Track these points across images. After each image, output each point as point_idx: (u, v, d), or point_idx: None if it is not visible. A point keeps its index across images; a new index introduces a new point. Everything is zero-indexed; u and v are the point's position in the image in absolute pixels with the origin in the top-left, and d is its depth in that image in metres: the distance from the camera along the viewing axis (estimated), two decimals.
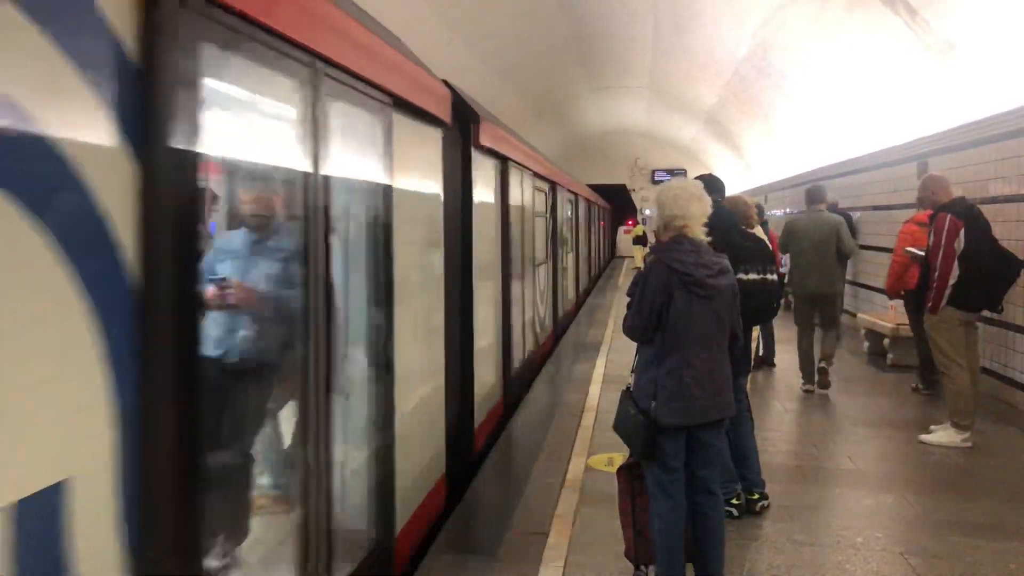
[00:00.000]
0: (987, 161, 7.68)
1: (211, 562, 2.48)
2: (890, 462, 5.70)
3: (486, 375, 6.45)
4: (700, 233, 3.44)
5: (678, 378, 3.29)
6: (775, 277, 4.48)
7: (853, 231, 9.80)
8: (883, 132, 10.82)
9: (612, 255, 35.82)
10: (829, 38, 10.71)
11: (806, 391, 7.75)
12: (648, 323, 3.36)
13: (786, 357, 9.19)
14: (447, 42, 11.11)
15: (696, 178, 4.57)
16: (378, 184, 3.61)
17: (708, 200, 3.50)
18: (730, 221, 4.46)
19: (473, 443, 5.82)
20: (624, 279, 22.15)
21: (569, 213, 14.62)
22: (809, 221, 7.81)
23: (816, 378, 7.71)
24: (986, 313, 6.18)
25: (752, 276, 4.31)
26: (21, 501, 1.52)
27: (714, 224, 3.56)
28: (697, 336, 3.32)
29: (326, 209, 2.91)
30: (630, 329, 3.48)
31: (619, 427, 3.51)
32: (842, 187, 12.35)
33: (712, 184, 4.55)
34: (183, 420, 1.99)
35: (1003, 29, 7.36)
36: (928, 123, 9.24)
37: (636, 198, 32.49)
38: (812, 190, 8.14)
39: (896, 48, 9.27)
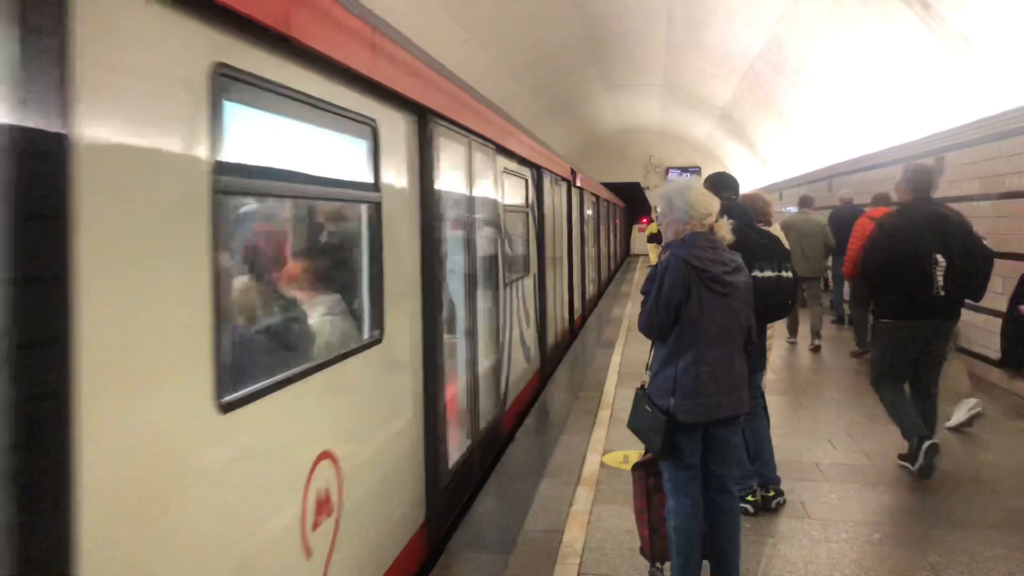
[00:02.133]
0: (1003, 156, 7.64)
1: None
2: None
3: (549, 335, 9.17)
4: (726, 229, 3.46)
5: (695, 375, 3.27)
6: (790, 275, 4.45)
7: None
8: (899, 127, 10.75)
9: (627, 253, 35.74)
10: (843, 33, 10.65)
11: (814, 349, 9.99)
12: (665, 319, 3.32)
13: (791, 354, 9.18)
14: (462, 42, 11.15)
15: (709, 175, 4.56)
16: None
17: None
18: (744, 218, 4.43)
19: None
20: (639, 276, 22.10)
21: (590, 212, 14.79)
22: (802, 219, 10.17)
23: (817, 342, 10.06)
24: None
25: (768, 273, 4.28)
26: None
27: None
28: (714, 333, 3.30)
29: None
30: (646, 326, 3.42)
31: (635, 425, 3.51)
32: (858, 183, 12.27)
33: (726, 181, 4.54)
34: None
35: (1018, 23, 7.30)
36: (944, 118, 9.18)
37: (650, 196, 32.40)
38: (804, 197, 11.02)
39: (911, 43, 9.21)
